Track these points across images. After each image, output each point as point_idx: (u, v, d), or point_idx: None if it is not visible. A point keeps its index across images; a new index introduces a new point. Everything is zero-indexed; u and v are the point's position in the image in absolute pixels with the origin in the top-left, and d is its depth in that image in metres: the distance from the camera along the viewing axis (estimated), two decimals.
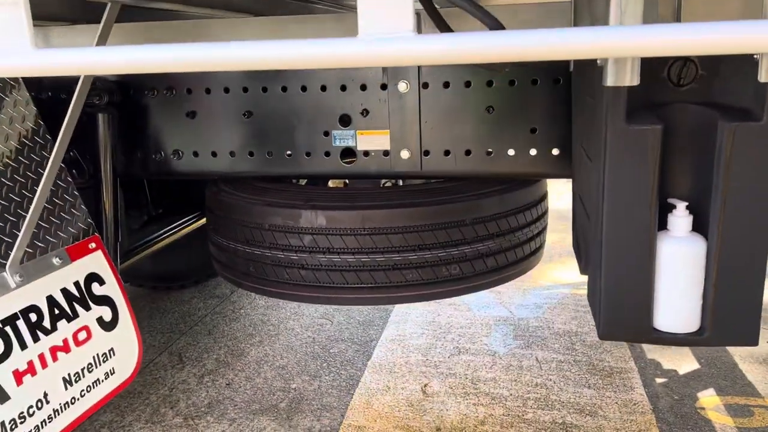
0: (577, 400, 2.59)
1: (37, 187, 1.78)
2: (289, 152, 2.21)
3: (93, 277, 1.88)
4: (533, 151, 2.07)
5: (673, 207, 1.28)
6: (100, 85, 2.18)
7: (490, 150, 2.10)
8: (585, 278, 4.03)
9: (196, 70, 0.91)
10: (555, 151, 2.05)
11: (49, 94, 2.26)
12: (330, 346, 3.16)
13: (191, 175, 2.33)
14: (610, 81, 1.17)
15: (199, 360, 3.06)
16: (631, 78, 1.16)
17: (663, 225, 1.30)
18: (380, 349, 3.10)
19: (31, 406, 1.61)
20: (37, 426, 1.62)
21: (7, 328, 1.58)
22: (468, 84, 2.05)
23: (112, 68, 0.98)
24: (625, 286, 1.28)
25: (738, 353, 2.96)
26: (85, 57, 0.97)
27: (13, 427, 1.55)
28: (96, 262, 1.91)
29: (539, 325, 3.30)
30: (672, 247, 1.27)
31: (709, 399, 2.60)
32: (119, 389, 1.91)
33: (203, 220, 3.13)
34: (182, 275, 3.85)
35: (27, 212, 1.73)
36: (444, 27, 1.52)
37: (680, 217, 1.27)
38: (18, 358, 1.59)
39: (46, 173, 1.59)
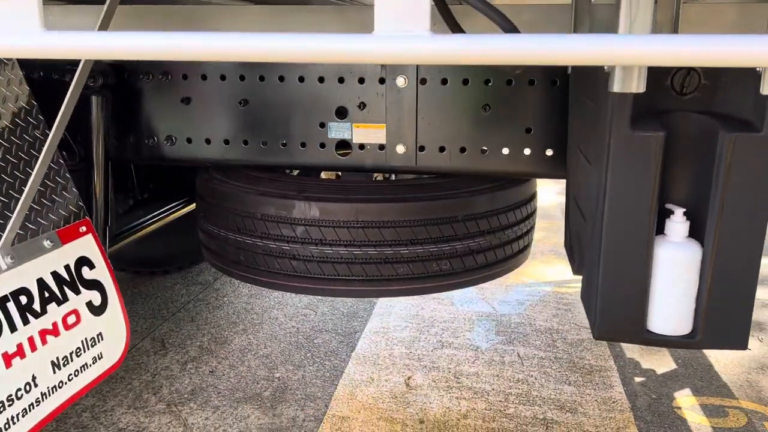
0: (557, 397, 2.63)
1: (30, 168, 1.76)
2: (283, 142, 2.21)
3: (83, 261, 1.87)
4: (527, 151, 2.09)
5: (671, 212, 1.31)
6: (94, 67, 2.15)
7: (484, 148, 2.11)
8: (567, 277, 4.09)
9: (219, 60, 0.91)
10: (549, 152, 2.08)
11: (41, 74, 2.22)
12: (314, 337, 3.16)
13: (184, 162, 2.32)
14: (616, 87, 1.19)
15: (182, 347, 3.04)
16: (637, 85, 1.18)
17: (660, 230, 1.33)
18: (364, 341, 3.11)
19: (20, 389, 1.59)
20: (25, 409, 1.61)
21: None
22: (466, 82, 2.06)
23: (127, 53, 0.97)
24: (622, 288, 1.30)
25: (714, 355, 3.03)
26: (99, 41, 0.96)
27: (2, 409, 1.54)
28: (86, 245, 1.90)
29: (521, 322, 3.34)
30: (668, 252, 1.30)
31: (685, 399, 2.66)
32: (106, 374, 1.90)
33: (189, 207, 3.11)
34: (166, 261, 3.83)
35: (18, 193, 1.71)
36: (456, 27, 1.52)
37: (678, 223, 1.30)
38: (7, 341, 1.58)
39: (42, 155, 1.57)
